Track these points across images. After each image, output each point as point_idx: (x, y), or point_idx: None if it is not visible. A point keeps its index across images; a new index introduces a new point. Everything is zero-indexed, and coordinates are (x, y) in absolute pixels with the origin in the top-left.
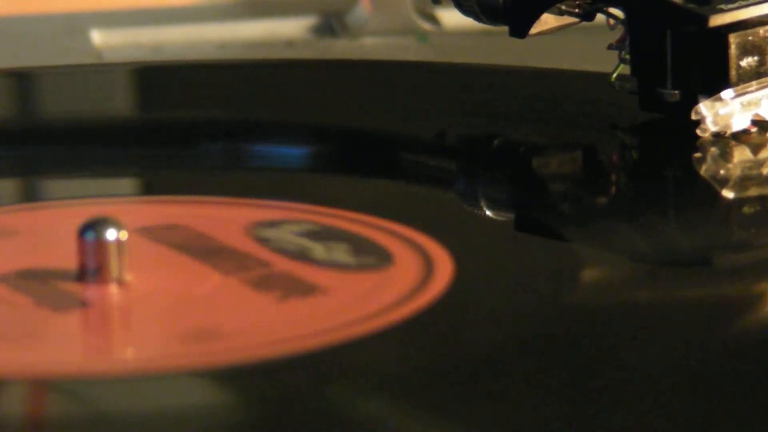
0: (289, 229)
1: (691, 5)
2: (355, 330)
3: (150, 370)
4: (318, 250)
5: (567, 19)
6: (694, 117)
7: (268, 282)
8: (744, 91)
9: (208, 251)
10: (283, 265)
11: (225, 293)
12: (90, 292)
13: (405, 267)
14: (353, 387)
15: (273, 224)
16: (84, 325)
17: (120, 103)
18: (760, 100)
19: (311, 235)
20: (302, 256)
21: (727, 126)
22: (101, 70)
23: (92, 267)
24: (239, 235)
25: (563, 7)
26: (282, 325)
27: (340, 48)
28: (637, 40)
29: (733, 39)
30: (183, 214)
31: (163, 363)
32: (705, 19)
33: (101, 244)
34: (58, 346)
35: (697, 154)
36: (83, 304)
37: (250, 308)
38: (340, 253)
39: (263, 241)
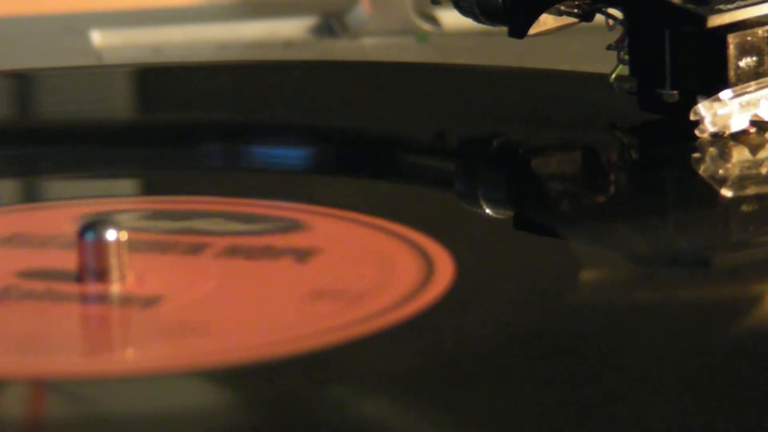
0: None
1: (689, 6)
2: (355, 330)
3: (150, 370)
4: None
5: (566, 20)
6: (692, 117)
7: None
8: (742, 91)
9: (207, 250)
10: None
11: (227, 291)
12: (90, 292)
13: (405, 267)
14: (354, 387)
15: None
16: (84, 325)
17: (120, 104)
18: (759, 100)
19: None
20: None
21: (726, 126)
22: (101, 71)
23: (92, 267)
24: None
25: (562, 8)
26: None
27: (340, 48)
28: (636, 41)
29: (732, 39)
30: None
31: (168, 363)
32: (704, 20)
33: (101, 244)
34: (59, 347)
35: (696, 155)
36: (84, 304)
37: (253, 306)
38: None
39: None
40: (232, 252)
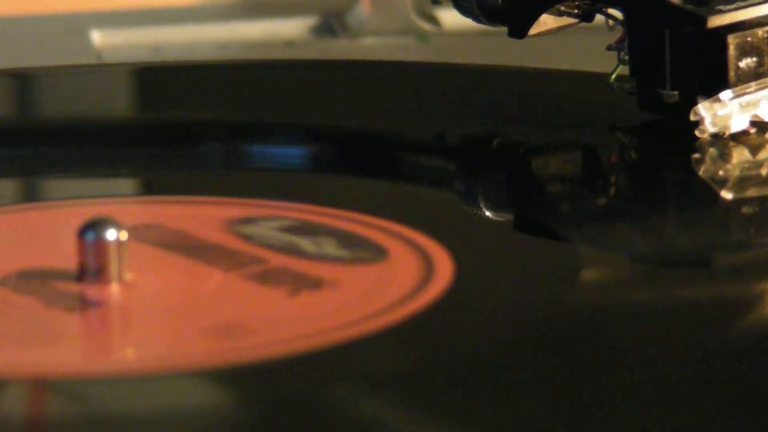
0: (269, 225)
1: (689, 6)
2: (355, 330)
3: (150, 370)
4: (306, 244)
5: (566, 20)
6: (692, 118)
7: (272, 277)
8: (743, 92)
9: (204, 249)
10: (278, 260)
11: (232, 289)
12: (90, 292)
13: (405, 267)
14: (353, 387)
15: (251, 221)
16: (85, 325)
17: (120, 104)
18: (759, 101)
19: (295, 230)
20: (293, 251)
21: (726, 127)
22: (101, 71)
23: (92, 267)
24: (223, 232)
25: (562, 8)
26: (295, 319)
27: (340, 48)
28: (636, 41)
29: (732, 40)
30: (181, 215)
31: (185, 360)
32: (704, 20)
33: (101, 244)
34: (59, 347)
35: (696, 155)
36: (83, 304)
37: (260, 303)
38: (331, 247)
39: (248, 238)
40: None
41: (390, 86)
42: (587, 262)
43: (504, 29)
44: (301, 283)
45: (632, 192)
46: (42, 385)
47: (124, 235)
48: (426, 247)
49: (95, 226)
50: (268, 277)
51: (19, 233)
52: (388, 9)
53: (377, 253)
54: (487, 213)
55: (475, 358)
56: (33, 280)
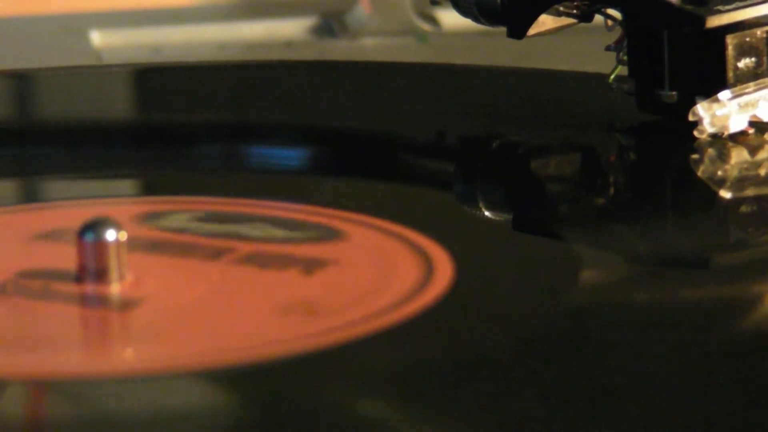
0: (184, 217)
1: (688, 6)
2: (355, 330)
3: (150, 370)
4: (247, 230)
5: (565, 20)
6: (691, 118)
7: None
8: (741, 92)
9: (226, 255)
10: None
11: (236, 283)
12: (90, 293)
13: (405, 267)
14: (353, 388)
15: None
16: (85, 325)
17: (120, 104)
18: (758, 101)
19: (216, 219)
20: (244, 237)
21: (725, 127)
22: (101, 71)
23: (92, 268)
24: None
25: (561, 8)
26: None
27: (339, 48)
28: (635, 42)
29: (731, 40)
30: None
31: (186, 361)
32: (702, 21)
33: (101, 244)
34: (60, 347)
35: (695, 155)
36: (83, 305)
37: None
38: (273, 231)
39: (180, 230)
40: (248, 260)
41: (390, 86)
42: (586, 262)
43: (503, 29)
44: (306, 264)
45: (631, 192)
46: (42, 387)
47: (123, 236)
48: (426, 247)
49: (95, 226)
50: (263, 262)
51: (19, 233)
52: (387, 9)
53: (328, 233)
54: (487, 213)
55: (475, 359)
56: (33, 281)
